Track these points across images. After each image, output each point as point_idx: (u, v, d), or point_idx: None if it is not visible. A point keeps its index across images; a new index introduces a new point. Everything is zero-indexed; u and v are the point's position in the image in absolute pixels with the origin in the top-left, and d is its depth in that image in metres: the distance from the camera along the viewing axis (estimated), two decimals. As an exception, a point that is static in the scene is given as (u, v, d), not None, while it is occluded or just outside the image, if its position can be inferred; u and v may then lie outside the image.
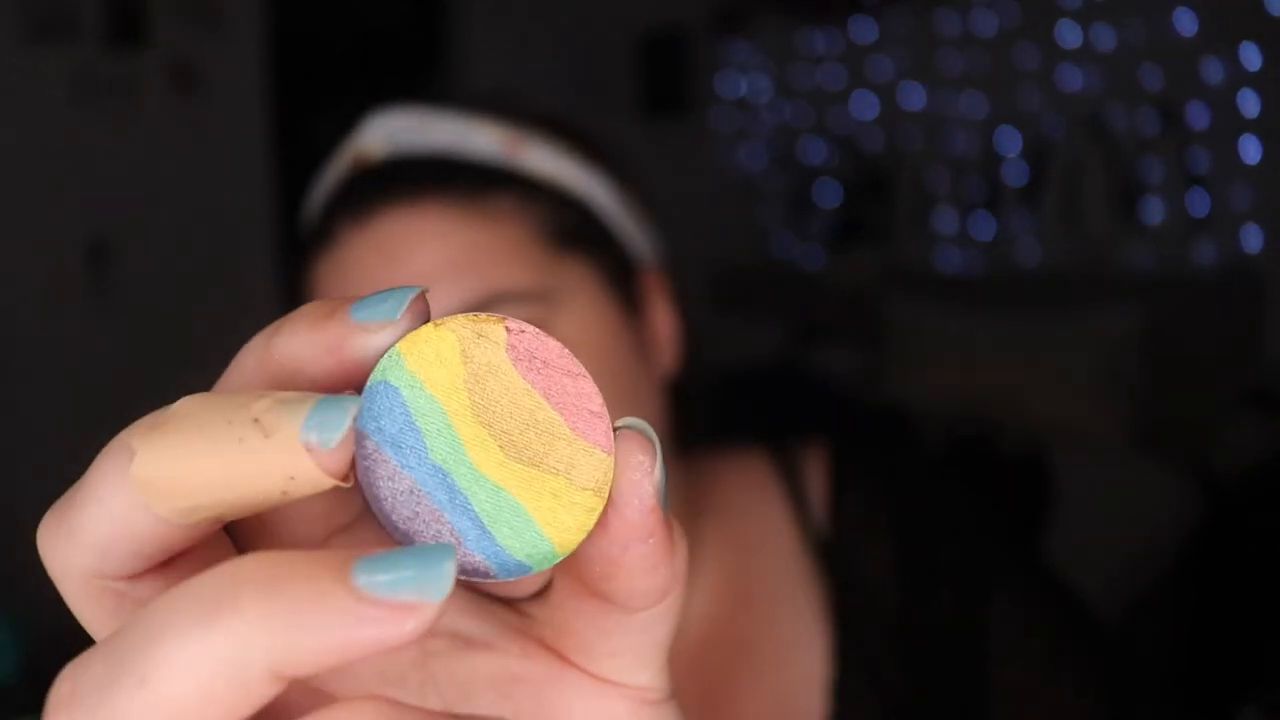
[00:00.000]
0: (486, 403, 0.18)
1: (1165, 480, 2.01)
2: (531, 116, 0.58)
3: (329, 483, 0.16)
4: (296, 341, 0.17)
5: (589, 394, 0.18)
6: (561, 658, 0.20)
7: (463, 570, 0.17)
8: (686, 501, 0.58)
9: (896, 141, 3.03)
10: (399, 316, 0.17)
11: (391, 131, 0.56)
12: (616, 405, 0.49)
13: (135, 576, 0.17)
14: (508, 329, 0.18)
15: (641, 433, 0.18)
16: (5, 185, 2.42)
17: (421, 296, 0.18)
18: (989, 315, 2.48)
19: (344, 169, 0.57)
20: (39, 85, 2.45)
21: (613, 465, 0.18)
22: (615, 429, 0.18)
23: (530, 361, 0.18)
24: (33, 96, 2.45)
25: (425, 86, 3.33)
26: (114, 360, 2.45)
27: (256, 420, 0.16)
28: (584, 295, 0.53)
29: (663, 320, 0.59)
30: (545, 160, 0.56)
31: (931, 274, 2.93)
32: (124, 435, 0.16)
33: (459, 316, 0.18)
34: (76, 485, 0.17)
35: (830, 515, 0.59)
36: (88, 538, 0.16)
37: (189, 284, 2.59)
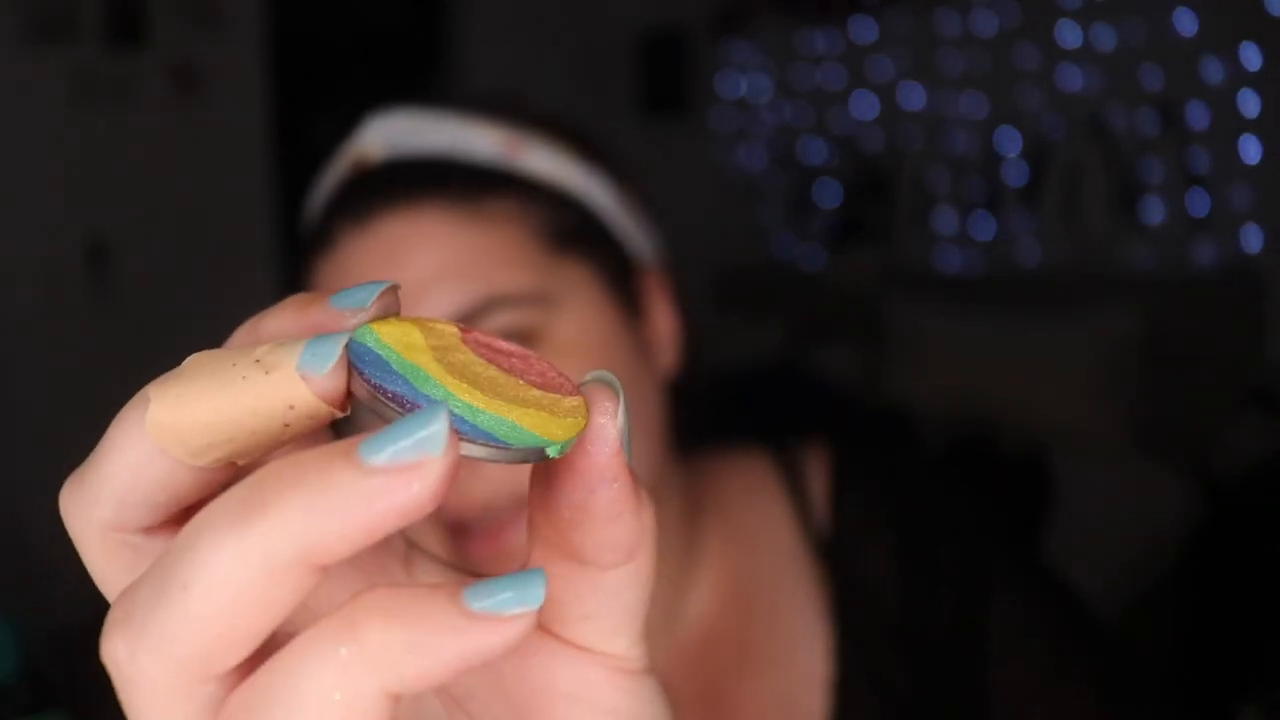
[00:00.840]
0: (456, 368, 0.19)
1: (1165, 480, 2.01)
2: (531, 117, 0.58)
3: (325, 408, 0.17)
4: (281, 323, 0.19)
5: (542, 367, 0.20)
6: (540, 626, 0.21)
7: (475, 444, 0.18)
8: (687, 501, 0.58)
9: (896, 141, 3.03)
10: (370, 304, 0.19)
11: (390, 134, 0.56)
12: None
13: (150, 530, 0.19)
14: (459, 327, 0.20)
15: (606, 383, 0.19)
16: (5, 185, 2.42)
17: (392, 289, 0.20)
18: (989, 315, 2.47)
19: (343, 171, 0.57)
20: (39, 85, 2.45)
21: (584, 403, 0.19)
22: (581, 383, 0.20)
23: (484, 348, 0.20)
24: (33, 96, 2.45)
25: (425, 86, 3.33)
26: (114, 360, 2.45)
27: (258, 361, 0.17)
28: (583, 296, 0.53)
29: (663, 320, 0.59)
30: (544, 161, 0.56)
31: (931, 274, 2.93)
32: (141, 391, 0.18)
33: (413, 318, 0.20)
34: (96, 446, 0.18)
35: (831, 515, 0.59)
36: (106, 488, 0.18)
37: (189, 284, 2.59)
